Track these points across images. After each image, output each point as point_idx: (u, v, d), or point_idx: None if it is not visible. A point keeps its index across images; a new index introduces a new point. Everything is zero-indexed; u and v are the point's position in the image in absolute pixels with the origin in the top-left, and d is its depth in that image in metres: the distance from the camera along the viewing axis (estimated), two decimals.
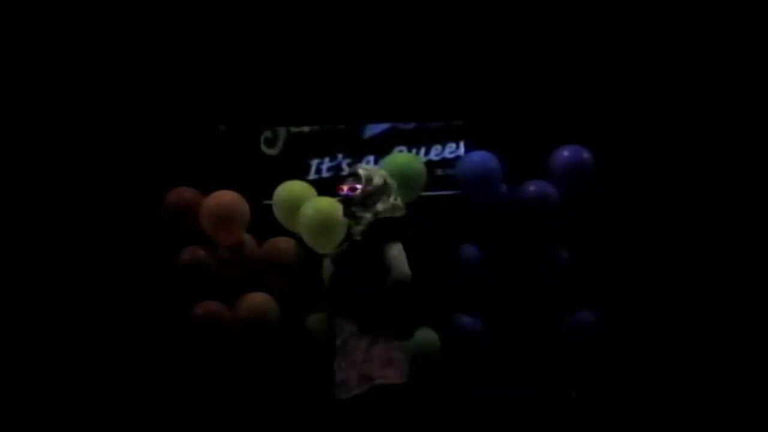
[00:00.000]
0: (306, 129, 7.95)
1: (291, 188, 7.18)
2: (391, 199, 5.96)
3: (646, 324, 7.74)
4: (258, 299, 7.21)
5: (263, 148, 7.91)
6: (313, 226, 7.03)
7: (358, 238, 5.91)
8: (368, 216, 5.90)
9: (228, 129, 7.86)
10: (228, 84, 7.93)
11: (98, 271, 7.65)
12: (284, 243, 7.19)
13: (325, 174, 7.87)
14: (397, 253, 5.74)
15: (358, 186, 5.95)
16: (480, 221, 7.30)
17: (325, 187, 7.50)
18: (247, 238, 7.24)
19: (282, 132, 7.94)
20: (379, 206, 5.89)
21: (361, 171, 6.04)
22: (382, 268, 5.72)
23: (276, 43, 7.96)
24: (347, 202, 5.99)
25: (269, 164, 7.89)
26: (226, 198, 7.13)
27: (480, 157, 7.26)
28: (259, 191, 7.35)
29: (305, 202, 7.08)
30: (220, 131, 7.84)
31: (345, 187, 6.00)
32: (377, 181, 5.95)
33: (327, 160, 7.89)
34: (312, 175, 7.85)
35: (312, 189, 7.23)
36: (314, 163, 7.88)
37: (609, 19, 8.06)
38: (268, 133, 7.93)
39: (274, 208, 7.17)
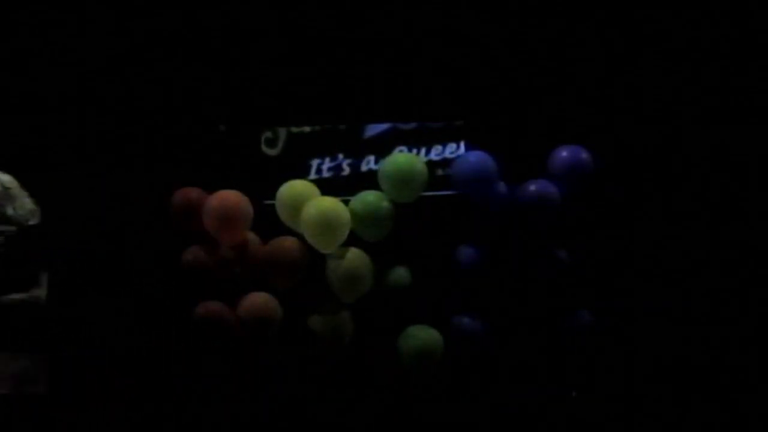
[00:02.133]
0: (306, 129, 7.96)
1: (294, 187, 7.20)
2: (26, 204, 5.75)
3: (648, 324, 7.76)
4: (259, 299, 7.22)
5: (264, 148, 7.91)
6: (315, 226, 7.05)
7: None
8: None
9: (228, 129, 7.86)
10: (228, 84, 7.94)
11: (102, 273, 7.66)
12: (288, 242, 7.20)
13: (325, 174, 7.87)
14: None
15: None
16: (479, 221, 7.31)
17: (326, 187, 7.51)
18: (252, 237, 7.25)
19: (282, 132, 7.95)
20: (9, 211, 5.63)
21: None
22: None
23: (276, 43, 7.96)
24: None
25: (270, 164, 7.90)
26: (229, 197, 7.14)
27: (475, 157, 7.29)
28: (259, 191, 7.36)
29: (307, 202, 7.10)
30: (220, 131, 7.84)
31: None
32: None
33: (328, 160, 7.89)
34: (313, 175, 7.85)
35: (315, 188, 7.24)
36: (315, 163, 7.89)
37: (609, 19, 8.08)
38: (268, 134, 7.93)
39: (277, 208, 7.18)
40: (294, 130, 7.96)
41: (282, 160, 7.91)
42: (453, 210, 7.44)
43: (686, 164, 8.01)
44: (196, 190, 7.20)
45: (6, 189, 5.64)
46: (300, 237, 7.18)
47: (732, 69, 8.05)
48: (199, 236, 7.12)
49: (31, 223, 5.57)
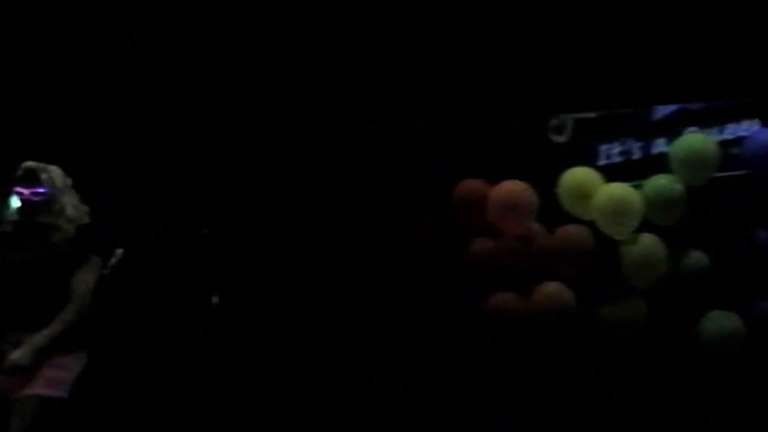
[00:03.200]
0: (593, 115, 7.84)
1: (576, 175, 7.12)
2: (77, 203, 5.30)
3: None
4: (552, 289, 7.19)
5: (551, 135, 7.86)
6: (608, 212, 6.95)
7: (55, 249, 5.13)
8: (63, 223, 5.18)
9: (514, 119, 7.85)
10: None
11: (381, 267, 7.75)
12: (574, 231, 7.13)
13: (615, 159, 7.73)
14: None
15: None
16: None
17: (616, 172, 7.38)
18: (536, 227, 7.23)
19: (569, 119, 7.86)
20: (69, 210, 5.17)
21: (41, 174, 5.21)
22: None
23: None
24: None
25: (558, 152, 7.83)
26: (514, 188, 7.15)
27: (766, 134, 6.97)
28: (548, 180, 7.31)
29: (594, 189, 7.01)
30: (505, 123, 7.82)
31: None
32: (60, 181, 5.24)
33: (617, 144, 7.74)
34: (602, 161, 7.72)
35: (597, 175, 7.14)
36: (603, 148, 7.76)
37: None
38: (555, 121, 7.87)
39: (560, 196, 7.12)
40: (580, 116, 7.86)
41: (570, 147, 7.82)
42: (747, 191, 7.13)
43: None
44: (477, 181, 7.23)
45: (67, 185, 5.23)
46: (585, 224, 7.11)
47: None
48: (481, 228, 7.15)
49: (84, 222, 5.18)
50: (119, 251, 6.72)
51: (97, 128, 7.87)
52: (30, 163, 5.12)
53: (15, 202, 5.15)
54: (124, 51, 7.89)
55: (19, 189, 5.09)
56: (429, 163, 7.42)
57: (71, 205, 5.13)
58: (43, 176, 5.10)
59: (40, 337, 4.93)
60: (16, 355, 4.91)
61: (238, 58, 7.97)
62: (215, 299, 7.62)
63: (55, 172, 5.15)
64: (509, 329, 7.07)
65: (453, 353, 7.13)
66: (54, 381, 4.96)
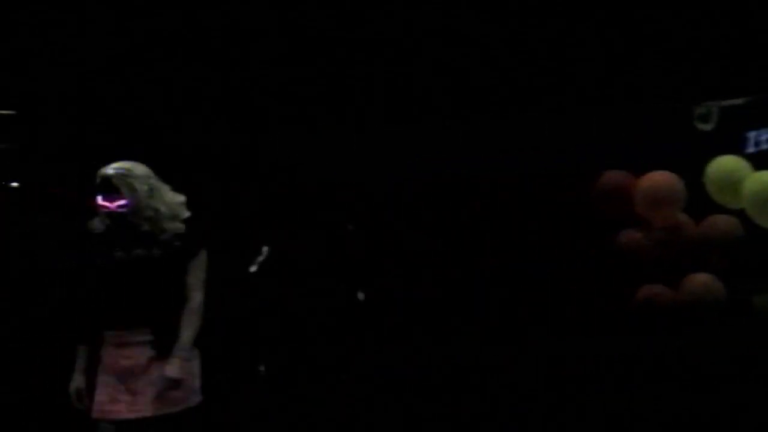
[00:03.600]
0: (740, 101, 7.65)
1: (724, 163, 6.97)
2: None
3: None
4: (702, 280, 7.06)
5: (697, 124, 7.70)
6: (758, 201, 6.80)
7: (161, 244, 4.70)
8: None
9: (658, 106, 7.72)
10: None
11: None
12: (723, 220, 6.99)
13: (764, 146, 7.53)
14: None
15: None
16: None
17: (765, 160, 7.20)
18: (683, 217, 7.11)
19: (715, 106, 7.69)
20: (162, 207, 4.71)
21: (116, 181, 4.69)
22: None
23: None
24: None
25: (704, 140, 7.67)
26: (662, 179, 7.04)
27: None
28: (694, 169, 7.17)
29: (743, 177, 6.86)
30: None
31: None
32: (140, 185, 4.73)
33: (765, 131, 7.55)
34: (750, 148, 7.54)
35: (745, 162, 6.98)
36: (752, 135, 7.57)
37: None
38: (701, 109, 7.71)
39: (708, 185, 6.98)
40: (726, 103, 7.69)
41: (716, 135, 7.66)
42: None
43: None
44: (621, 173, 7.14)
45: (150, 185, 4.68)
46: (733, 214, 6.95)
47: None
48: (625, 219, 7.06)
49: (185, 216, 4.71)
50: (265, 248, 6.86)
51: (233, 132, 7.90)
52: (107, 171, 4.61)
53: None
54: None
55: (102, 203, 4.63)
56: (571, 154, 7.35)
57: (163, 202, 4.67)
58: (122, 185, 4.58)
59: (185, 344, 4.56)
60: (174, 371, 4.49)
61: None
62: (361, 295, 7.68)
63: (134, 174, 4.64)
64: (659, 321, 6.97)
65: (605, 345, 7.07)
66: (174, 397, 4.52)
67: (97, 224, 4.69)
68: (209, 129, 7.86)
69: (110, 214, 4.62)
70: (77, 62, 7.69)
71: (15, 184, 7.39)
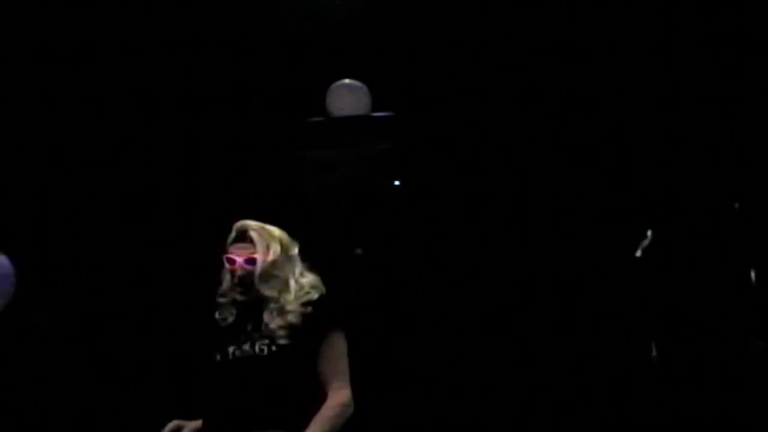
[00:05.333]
0: None
1: None
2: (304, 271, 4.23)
3: None
4: None
5: None
6: None
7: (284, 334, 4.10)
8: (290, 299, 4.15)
9: None
10: None
11: None
12: None
13: None
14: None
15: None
16: None
17: None
18: None
19: None
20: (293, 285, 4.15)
21: (253, 234, 4.25)
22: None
23: None
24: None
25: None
26: None
27: None
28: None
29: None
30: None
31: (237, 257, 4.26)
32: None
33: None
34: None
35: None
36: None
37: None
38: None
39: None
40: None
41: None
42: None
43: None
44: None
45: (287, 253, 4.19)
46: None
47: None
48: None
49: (313, 298, 4.09)
50: (649, 232, 6.64)
51: None
52: (244, 223, 4.25)
53: (225, 274, 4.23)
54: None
55: (230, 255, 4.21)
56: None
57: (294, 276, 4.13)
58: (259, 240, 4.18)
59: None
60: None
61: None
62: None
63: (274, 235, 4.21)
64: None
65: None
66: None
67: (226, 312, 4.20)
68: None
69: (234, 272, 4.15)
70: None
71: (396, 183, 7.55)
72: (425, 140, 7.64)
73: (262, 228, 4.23)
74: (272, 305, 4.11)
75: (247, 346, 4.10)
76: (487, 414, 7.36)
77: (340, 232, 7.54)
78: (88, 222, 7.56)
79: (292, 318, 4.06)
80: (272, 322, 4.09)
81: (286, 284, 4.12)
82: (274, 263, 4.13)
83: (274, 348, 4.06)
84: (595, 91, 7.55)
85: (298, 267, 4.17)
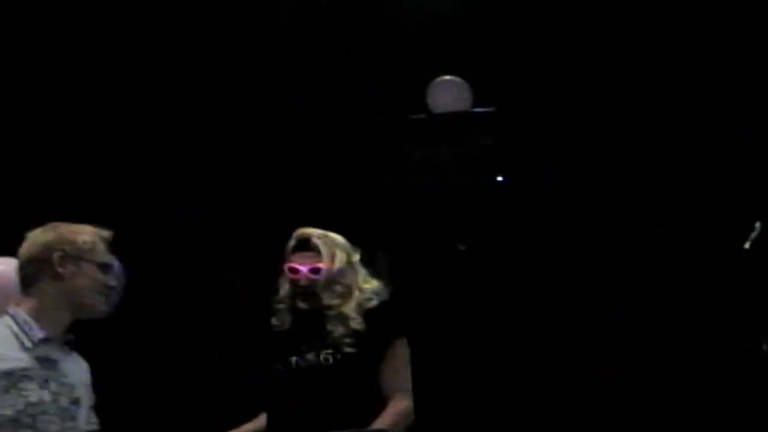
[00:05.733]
0: None
1: None
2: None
3: None
4: None
5: None
6: None
7: (348, 342, 3.99)
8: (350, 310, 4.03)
9: None
10: None
11: None
12: None
13: None
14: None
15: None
16: None
17: None
18: None
19: None
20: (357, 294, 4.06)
21: (318, 242, 4.14)
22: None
23: None
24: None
25: None
26: None
27: None
28: None
29: None
30: None
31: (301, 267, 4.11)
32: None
33: None
34: None
35: None
36: None
37: None
38: None
39: None
40: None
41: None
42: None
43: None
44: None
45: (351, 260, 4.10)
46: None
47: None
48: None
49: (372, 305, 4.01)
50: (758, 224, 6.45)
51: None
52: (306, 231, 4.16)
53: (284, 282, 4.12)
54: None
55: (293, 264, 4.10)
56: None
57: (358, 283, 4.06)
58: (323, 248, 4.09)
59: None
60: None
61: None
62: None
63: (337, 242, 4.13)
64: None
65: None
66: None
67: (282, 319, 4.11)
68: None
69: (297, 283, 4.05)
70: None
71: (499, 179, 7.53)
72: (526, 135, 7.59)
73: (326, 236, 4.15)
74: (334, 313, 4.03)
75: (311, 356, 4.02)
76: (595, 412, 7.29)
77: (442, 229, 7.53)
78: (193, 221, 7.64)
79: (355, 325, 3.99)
80: (335, 330, 4.00)
81: (349, 292, 4.05)
82: (339, 272, 4.05)
83: (339, 357, 3.98)
84: (703, 87, 7.45)
85: (361, 274, 4.11)
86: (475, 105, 7.40)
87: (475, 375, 7.34)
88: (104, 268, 3.50)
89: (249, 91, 7.73)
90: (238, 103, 7.73)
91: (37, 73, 7.40)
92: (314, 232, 4.14)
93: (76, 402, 3.44)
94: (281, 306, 4.12)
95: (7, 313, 3.45)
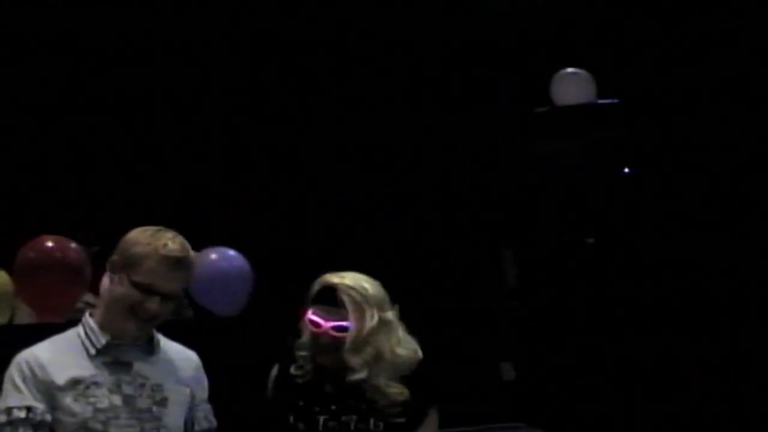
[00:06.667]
0: None
1: None
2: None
3: None
4: None
5: None
6: None
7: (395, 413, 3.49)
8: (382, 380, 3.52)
9: None
10: None
11: None
12: None
13: None
14: None
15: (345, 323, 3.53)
16: None
17: None
18: None
19: None
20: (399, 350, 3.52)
21: (344, 296, 3.54)
22: None
23: None
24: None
25: None
26: None
27: None
28: None
29: None
30: None
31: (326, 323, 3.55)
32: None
33: None
34: None
35: None
36: None
37: None
38: None
39: None
40: None
41: None
42: None
43: None
44: None
45: (383, 318, 3.51)
46: None
47: None
48: None
49: (404, 371, 3.52)
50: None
51: None
52: (331, 280, 3.55)
53: (305, 328, 3.59)
54: None
55: (314, 317, 3.53)
56: None
57: (390, 347, 3.50)
58: (350, 303, 3.50)
59: None
60: None
61: None
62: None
63: (368, 295, 3.51)
64: None
65: None
66: None
67: (305, 368, 3.59)
68: None
69: (318, 337, 3.51)
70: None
71: (626, 170, 7.43)
72: (653, 126, 7.48)
73: (355, 288, 3.52)
74: (359, 375, 3.50)
75: (346, 418, 3.52)
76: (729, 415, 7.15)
77: (569, 223, 7.46)
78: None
79: (397, 396, 3.49)
80: (378, 399, 3.51)
81: (380, 356, 3.49)
82: (369, 334, 3.48)
83: (386, 425, 3.51)
84: None
85: (395, 335, 3.53)
86: (599, 97, 7.33)
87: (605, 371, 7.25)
88: (139, 287, 3.27)
89: (372, 89, 7.78)
90: (367, 101, 7.78)
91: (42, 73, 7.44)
92: (342, 284, 3.53)
93: (161, 403, 3.34)
94: (303, 353, 3.60)
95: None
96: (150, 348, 3.39)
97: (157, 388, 3.35)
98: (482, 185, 7.61)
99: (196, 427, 3.45)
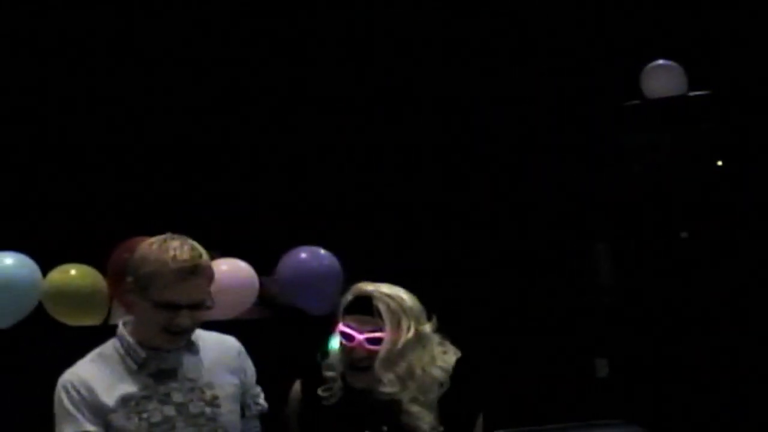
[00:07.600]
0: None
1: None
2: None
3: None
4: None
5: None
6: None
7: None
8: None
9: None
10: None
11: None
12: None
13: None
14: None
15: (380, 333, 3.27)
16: None
17: None
18: None
19: None
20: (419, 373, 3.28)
21: (381, 305, 3.29)
22: None
23: None
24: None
25: None
26: None
27: None
28: None
29: None
30: None
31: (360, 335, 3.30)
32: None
33: None
34: None
35: None
36: None
37: None
38: None
39: None
40: None
41: None
42: None
43: None
44: None
45: (420, 333, 3.29)
46: None
47: None
48: None
49: (433, 393, 3.28)
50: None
51: None
52: (366, 288, 3.35)
53: (335, 343, 3.40)
54: None
55: (346, 329, 3.33)
56: None
57: (422, 364, 3.29)
58: (386, 312, 3.28)
59: None
60: None
61: None
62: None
63: (405, 307, 3.29)
64: None
65: None
66: None
67: (334, 390, 3.38)
68: None
69: (351, 351, 3.31)
70: None
71: (719, 163, 7.35)
72: (746, 118, 7.38)
73: (392, 297, 3.32)
74: (390, 389, 3.29)
75: None
76: None
77: (663, 217, 7.41)
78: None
79: (429, 419, 3.29)
80: (410, 421, 3.29)
81: (412, 373, 3.28)
82: (404, 347, 3.27)
83: None
84: None
85: (429, 351, 3.32)
86: (690, 89, 7.26)
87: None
88: (163, 306, 3.20)
89: (464, 86, 7.80)
90: (461, 97, 7.79)
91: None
92: (378, 293, 3.32)
93: (213, 402, 3.30)
94: (332, 374, 3.40)
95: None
96: (190, 347, 3.33)
97: (207, 387, 3.30)
98: (577, 179, 7.58)
99: (247, 413, 3.41)
